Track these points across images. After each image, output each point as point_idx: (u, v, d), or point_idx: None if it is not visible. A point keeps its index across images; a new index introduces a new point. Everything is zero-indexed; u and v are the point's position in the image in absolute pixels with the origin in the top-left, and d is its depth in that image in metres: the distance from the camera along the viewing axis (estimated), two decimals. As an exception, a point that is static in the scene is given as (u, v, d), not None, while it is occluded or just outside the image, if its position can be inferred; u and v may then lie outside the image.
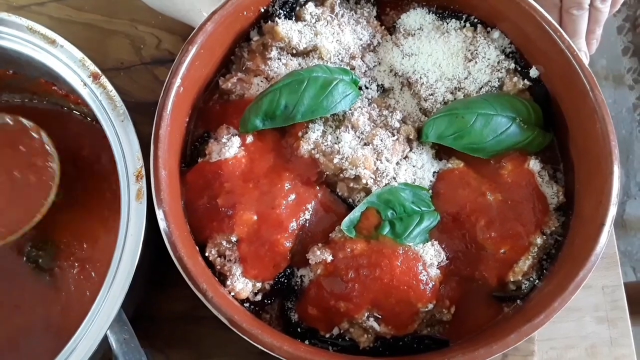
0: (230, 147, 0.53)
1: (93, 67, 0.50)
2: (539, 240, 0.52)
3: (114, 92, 0.49)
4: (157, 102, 0.69)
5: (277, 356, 0.47)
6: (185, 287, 0.64)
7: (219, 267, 0.52)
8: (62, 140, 0.61)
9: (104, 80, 0.49)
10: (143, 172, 0.47)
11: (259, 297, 0.52)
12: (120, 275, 0.45)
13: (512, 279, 0.52)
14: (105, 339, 0.44)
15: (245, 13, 0.56)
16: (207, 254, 0.52)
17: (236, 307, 0.50)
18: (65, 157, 0.61)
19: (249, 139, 0.54)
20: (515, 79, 0.57)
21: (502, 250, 0.52)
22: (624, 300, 0.63)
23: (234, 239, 0.51)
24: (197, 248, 0.52)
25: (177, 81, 0.51)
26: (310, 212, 0.53)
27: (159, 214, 0.47)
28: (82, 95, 0.49)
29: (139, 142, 0.49)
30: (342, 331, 0.52)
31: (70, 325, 0.50)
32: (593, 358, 0.62)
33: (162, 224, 0.47)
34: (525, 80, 0.57)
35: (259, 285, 0.52)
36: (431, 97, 0.57)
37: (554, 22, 0.54)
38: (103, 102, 0.49)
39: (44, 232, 0.59)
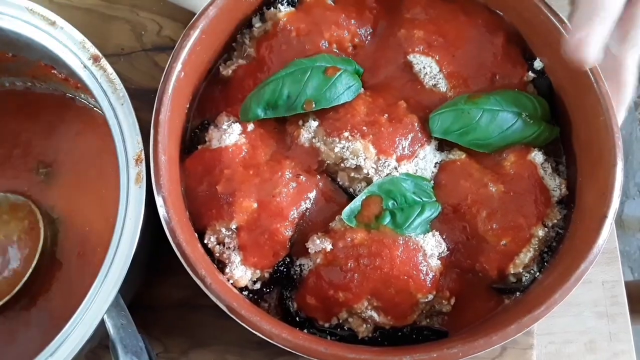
0: (230, 134, 0.53)
1: (93, 49, 0.49)
2: (540, 233, 0.52)
3: (114, 75, 0.49)
4: (157, 89, 0.68)
5: (276, 344, 0.46)
6: (183, 276, 0.63)
7: (217, 254, 0.51)
8: (62, 126, 0.61)
9: (104, 62, 0.49)
10: (143, 155, 0.47)
11: (257, 286, 0.52)
12: (118, 259, 0.44)
13: (512, 271, 0.52)
14: (102, 324, 0.44)
15: None
16: (206, 242, 0.51)
17: (235, 295, 0.50)
18: (64, 143, 0.61)
19: (250, 126, 0.54)
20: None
21: (503, 242, 0.52)
22: (623, 296, 0.63)
23: (233, 226, 0.51)
24: (196, 235, 0.52)
25: (178, 66, 0.51)
26: (311, 201, 0.53)
27: (158, 200, 0.47)
28: (82, 77, 0.48)
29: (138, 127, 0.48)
30: (340, 321, 0.52)
31: (67, 310, 0.50)
32: (592, 353, 0.62)
33: (161, 210, 0.47)
34: (530, 72, 0.57)
35: (258, 273, 0.51)
36: (435, 87, 0.57)
37: (559, 13, 0.53)
38: (103, 84, 0.48)
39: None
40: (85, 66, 0.49)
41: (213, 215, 0.51)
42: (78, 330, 0.43)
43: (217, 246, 0.51)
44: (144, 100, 0.67)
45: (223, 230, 0.51)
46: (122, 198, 0.46)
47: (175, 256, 0.63)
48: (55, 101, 0.62)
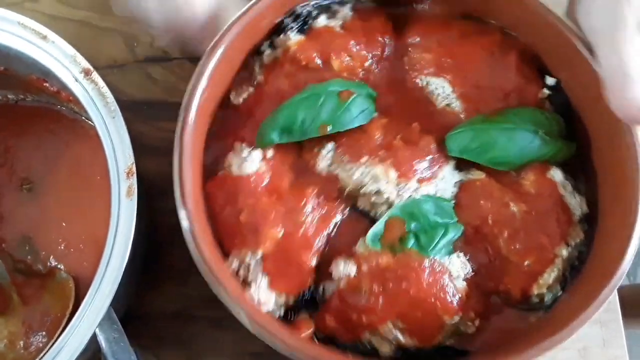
0: (251, 162, 0.52)
1: (85, 63, 0.49)
2: (564, 252, 0.51)
3: (105, 89, 0.49)
4: (149, 101, 0.69)
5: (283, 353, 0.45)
6: (177, 287, 0.64)
7: (242, 275, 0.50)
8: (52, 138, 0.62)
9: (95, 76, 0.49)
10: (134, 168, 0.47)
11: (282, 312, 0.51)
12: (109, 272, 0.44)
13: (535, 292, 0.51)
14: (94, 337, 0.44)
15: (262, 23, 0.55)
16: (230, 265, 0.50)
17: (266, 316, 0.48)
18: (54, 155, 0.61)
19: (270, 153, 0.53)
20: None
21: (526, 262, 0.51)
22: (616, 302, 0.63)
23: (259, 254, 0.50)
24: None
25: (203, 82, 0.50)
26: (334, 228, 0.52)
27: (182, 214, 0.46)
28: (73, 91, 0.49)
29: (130, 139, 0.48)
30: (363, 340, 0.50)
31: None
32: (585, 359, 0.62)
33: (185, 224, 0.46)
34: (545, 90, 0.56)
35: (283, 297, 0.50)
36: (448, 107, 0.56)
37: (575, 28, 0.52)
38: (94, 98, 0.48)
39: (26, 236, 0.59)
40: (76, 80, 0.49)
41: (236, 244, 0.50)
42: (70, 344, 0.43)
43: (242, 268, 0.50)
44: (136, 112, 0.67)
45: (248, 255, 0.50)
46: (113, 211, 0.46)
47: (168, 268, 0.63)
48: (47, 113, 0.62)
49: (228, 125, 0.57)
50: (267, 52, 0.58)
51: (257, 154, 0.53)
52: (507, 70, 0.56)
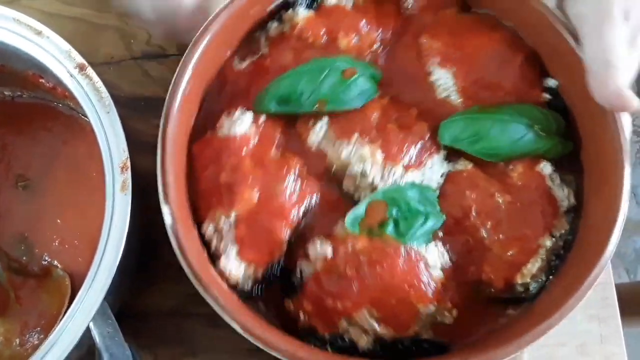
0: (241, 123, 0.52)
1: (79, 58, 0.49)
2: (548, 243, 0.51)
3: (100, 84, 0.49)
4: (146, 98, 0.69)
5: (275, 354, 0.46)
6: (173, 284, 0.64)
7: (214, 243, 0.50)
8: (48, 135, 0.62)
9: (90, 71, 0.49)
10: (128, 163, 0.47)
11: (249, 285, 0.51)
12: (103, 266, 0.44)
13: (520, 281, 0.51)
14: (88, 332, 0.44)
15: (252, 10, 0.55)
16: (203, 231, 0.50)
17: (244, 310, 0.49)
18: (51, 153, 0.61)
19: (262, 118, 0.53)
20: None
21: (509, 252, 0.51)
22: (614, 298, 0.63)
23: (232, 216, 0.50)
24: (196, 233, 0.51)
25: (194, 59, 0.50)
26: (314, 204, 0.52)
27: (161, 187, 0.47)
28: (68, 86, 0.49)
29: (125, 135, 0.48)
30: (341, 331, 0.50)
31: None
32: (584, 356, 0.62)
33: (165, 209, 0.46)
34: (545, 94, 0.56)
35: (251, 269, 0.50)
36: (447, 99, 0.56)
37: (561, 16, 0.52)
38: (89, 93, 0.48)
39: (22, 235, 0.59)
40: (71, 75, 0.49)
41: (213, 203, 0.50)
42: (64, 338, 0.43)
43: (215, 234, 0.50)
44: (133, 109, 0.67)
45: (222, 219, 0.50)
46: (107, 206, 0.46)
47: (165, 265, 0.63)
48: (43, 111, 0.62)
49: (226, 93, 0.57)
50: (274, 25, 0.57)
51: (249, 116, 0.53)
52: (511, 69, 0.56)
